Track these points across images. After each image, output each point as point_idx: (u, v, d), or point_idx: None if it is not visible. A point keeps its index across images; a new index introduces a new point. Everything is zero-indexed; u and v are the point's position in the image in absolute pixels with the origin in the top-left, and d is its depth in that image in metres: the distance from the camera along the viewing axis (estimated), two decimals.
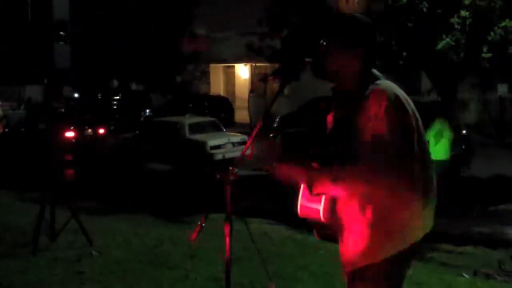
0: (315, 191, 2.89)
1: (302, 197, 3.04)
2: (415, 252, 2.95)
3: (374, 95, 2.80)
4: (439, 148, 11.02)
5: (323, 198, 2.91)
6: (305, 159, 2.97)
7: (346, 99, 2.95)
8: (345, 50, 2.94)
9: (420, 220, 2.87)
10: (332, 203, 2.91)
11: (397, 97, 2.82)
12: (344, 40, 2.94)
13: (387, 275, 2.87)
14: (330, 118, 3.09)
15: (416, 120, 2.85)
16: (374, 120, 2.75)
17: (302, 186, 3.03)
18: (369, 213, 2.81)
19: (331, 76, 3.02)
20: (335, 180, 2.82)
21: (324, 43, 2.99)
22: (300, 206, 3.05)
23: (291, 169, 2.95)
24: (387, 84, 2.88)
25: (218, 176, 3.19)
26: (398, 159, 2.75)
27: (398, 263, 2.89)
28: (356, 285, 2.96)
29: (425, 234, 2.92)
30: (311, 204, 2.98)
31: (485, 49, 13.83)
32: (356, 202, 2.84)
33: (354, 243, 2.88)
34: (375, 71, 2.97)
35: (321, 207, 2.93)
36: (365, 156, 2.74)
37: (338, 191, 2.85)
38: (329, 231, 3.03)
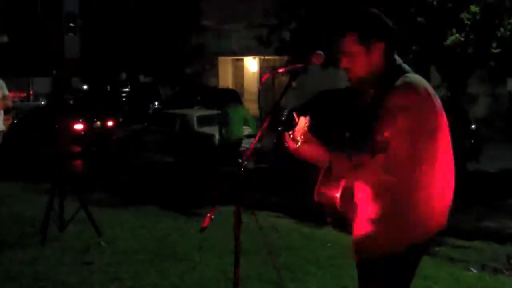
0: (334, 175, 2.88)
1: (320, 181, 3.01)
2: (427, 248, 2.96)
3: (404, 87, 2.80)
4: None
5: (341, 184, 2.90)
6: (329, 142, 2.95)
7: (372, 92, 2.94)
8: (366, 49, 2.93)
9: (435, 217, 2.86)
10: (350, 191, 2.90)
11: (426, 91, 2.81)
12: (364, 36, 2.93)
13: (399, 267, 2.88)
14: (354, 108, 3.08)
15: (442, 116, 2.84)
16: (402, 111, 2.74)
17: (321, 170, 3.01)
18: (386, 204, 2.80)
19: (360, 79, 3.00)
20: (355, 166, 2.81)
21: (344, 42, 2.97)
22: (317, 190, 3.03)
23: (314, 148, 2.92)
24: (417, 77, 2.88)
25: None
26: (421, 152, 2.75)
27: (410, 257, 2.89)
28: (366, 274, 2.96)
29: (438, 231, 2.91)
30: (329, 189, 2.96)
31: (494, 45, 13.77)
32: (374, 192, 2.83)
33: (368, 232, 2.87)
34: (405, 65, 2.96)
35: (338, 193, 2.91)
36: (389, 146, 2.73)
37: (357, 177, 2.85)
38: (343, 219, 3.02)
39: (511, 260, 7.68)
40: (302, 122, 2.92)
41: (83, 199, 7.31)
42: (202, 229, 3.24)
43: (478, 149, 15.20)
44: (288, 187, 13.18)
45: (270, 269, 5.79)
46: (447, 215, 2.91)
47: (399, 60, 2.99)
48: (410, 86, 2.80)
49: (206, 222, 3.22)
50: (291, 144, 2.94)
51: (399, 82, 2.83)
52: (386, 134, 2.75)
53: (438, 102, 2.84)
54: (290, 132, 2.94)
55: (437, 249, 8.03)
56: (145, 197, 11.25)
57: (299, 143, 2.90)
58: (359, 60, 2.95)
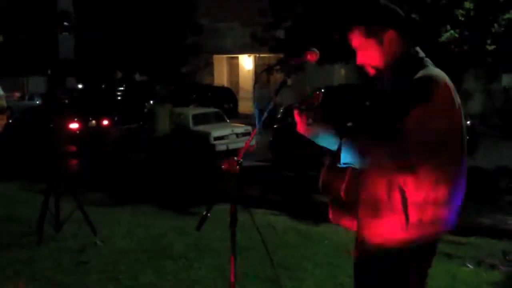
0: (342, 161, 2.81)
1: (326, 169, 2.96)
2: (434, 248, 2.87)
3: (425, 79, 2.74)
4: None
5: (347, 174, 2.82)
6: (341, 126, 2.91)
7: (392, 83, 2.87)
8: (377, 40, 2.88)
9: (446, 215, 2.76)
10: (356, 182, 2.81)
11: (447, 85, 2.76)
12: (371, 27, 2.88)
13: (402, 265, 2.79)
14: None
15: (460, 113, 2.79)
16: (421, 103, 2.68)
17: (328, 157, 2.95)
18: (396, 197, 2.70)
19: (377, 71, 2.94)
20: (366, 153, 2.75)
21: (353, 37, 2.93)
22: (322, 178, 2.97)
23: (324, 130, 2.86)
24: (439, 71, 2.82)
25: (223, 167, 3.17)
26: (438, 146, 2.67)
27: (415, 256, 2.80)
28: (364, 271, 2.90)
29: (447, 231, 2.82)
30: (334, 178, 2.89)
31: (489, 41, 13.79)
32: (384, 184, 2.72)
33: (374, 226, 2.77)
34: (427, 59, 2.90)
35: (344, 184, 2.84)
36: (405, 136, 2.65)
37: (366, 165, 2.77)
38: (345, 213, 2.93)
39: (508, 256, 7.68)
40: (314, 98, 2.89)
41: (78, 198, 7.29)
42: (198, 228, 3.23)
43: (474, 145, 15.23)
44: (285, 184, 13.19)
45: (267, 267, 5.79)
46: (457, 215, 2.81)
47: (421, 53, 2.93)
48: (431, 79, 2.75)
49: (202, 220, 3.21)
50: (301, 121, 2.88)
51: (420, 74, 2.77)
52: (402, 124, 2.67)
53: (457, 99, 2.78)
54: (302, 106, 2.89)
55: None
56: (141, 196, 11.24)
57: (310, 119, 2.86)
58: (373, 53, 2.89)
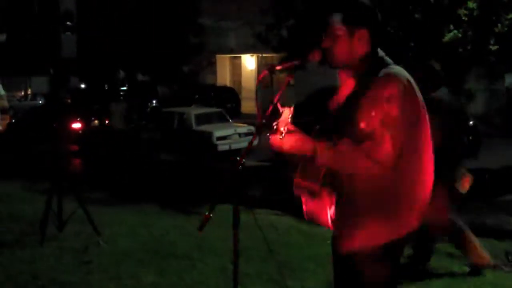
0: (318, 164, 2.85)
1: (298, 174, 3.01)
2: (408, 241, 2.96)
3: (388, 78, 2.79)
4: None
5: (320, 177, 2.88)
6: (313, 133, 2.95)
7: (355, 83, 2.91)
8: (349, 33, 2.91)
9: (417, 208, 2.84)
10: (329, 184, 2.89)
11: (409, 83, 2.81)
12: (346, 23, 2.91)
13: (381, 260, 2.85)
14: (335, 100, 3.05)
15: (424, 109, 2.84)
16: (386, 102, 2.73)
17: (300, 163, 2.99)
18: (369, 195, 2.79)
19: (339, 63, 2.98)
20: (337, 157, 2.79)
21: (329, 22, 2.96)
22: (296, 183, 3.03)
23: (297, 139, 2.87)
24: (399, 69, 2.88)
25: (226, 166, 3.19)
26: (405, 144, 2.74)
27: (391, 251, 2.88)
28: (346, 271, 2.95)
29: (421, 225, 2.89)
30: (307, 182, 2.95)
31: (492, 41, 13.79)
32: (356, 184, 2.81)
33: (351, 226, 2.85)
34: (387, 57, 2.96)
35: (318, 186, 2.89)
36: (372, 137, 2.72)
37: (341, 166, 2.82)
38: (319, 212, 3.01)
39: (510, 256, 7.66)
40: (286, 113, 2.91)
41: (81, 198, 7.30)
42: (201, 228, 3.23)
43: (477, 145, 15.21)
44: (287, 184, 13.19)
45: (269, 267, 5.79)
46: (427, 208, 2.89)
47: (381, 52, 2.98)
48: (393, 77, 2.80)
49: (204, 220, 3.21)
50: (273, 137, 2.90)
51: (382, 73, 2.82)
52: (368, 123, 2.73)
53: (419, 94, 2.84)
54: (274, 123, 2.92)
55: (436, 245, 8.03)
56: (143, 196, 11.24)
57: (283, 134, 2.85)
58: (341, 44, 2.93)
